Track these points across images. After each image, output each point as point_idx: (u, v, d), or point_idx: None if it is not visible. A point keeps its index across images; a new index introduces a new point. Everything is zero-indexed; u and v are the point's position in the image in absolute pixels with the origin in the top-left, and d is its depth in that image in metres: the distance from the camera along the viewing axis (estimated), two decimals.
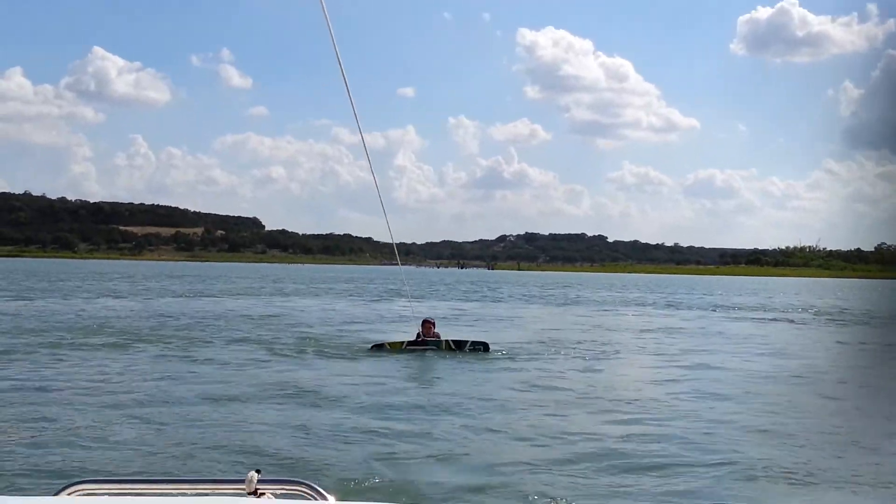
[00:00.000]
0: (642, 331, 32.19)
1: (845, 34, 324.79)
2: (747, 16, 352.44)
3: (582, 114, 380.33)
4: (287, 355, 21.20)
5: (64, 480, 3.36)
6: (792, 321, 39.87)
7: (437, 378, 17.83)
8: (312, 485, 3.00)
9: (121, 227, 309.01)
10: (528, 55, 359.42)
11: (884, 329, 37.01)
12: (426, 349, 22.34)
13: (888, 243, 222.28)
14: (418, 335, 23.05)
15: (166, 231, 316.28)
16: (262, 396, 14.21)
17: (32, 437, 10.75)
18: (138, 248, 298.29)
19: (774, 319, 40.83)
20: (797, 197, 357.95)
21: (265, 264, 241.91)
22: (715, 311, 47.50)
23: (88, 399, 13.48)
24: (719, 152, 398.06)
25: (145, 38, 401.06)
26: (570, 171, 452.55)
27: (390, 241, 21.11)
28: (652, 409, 14.11)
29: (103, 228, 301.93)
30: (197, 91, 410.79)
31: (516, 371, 19.06)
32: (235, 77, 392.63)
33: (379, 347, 22.93)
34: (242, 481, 2.96)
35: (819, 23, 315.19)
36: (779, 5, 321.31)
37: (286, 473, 6.77)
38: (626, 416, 13.19)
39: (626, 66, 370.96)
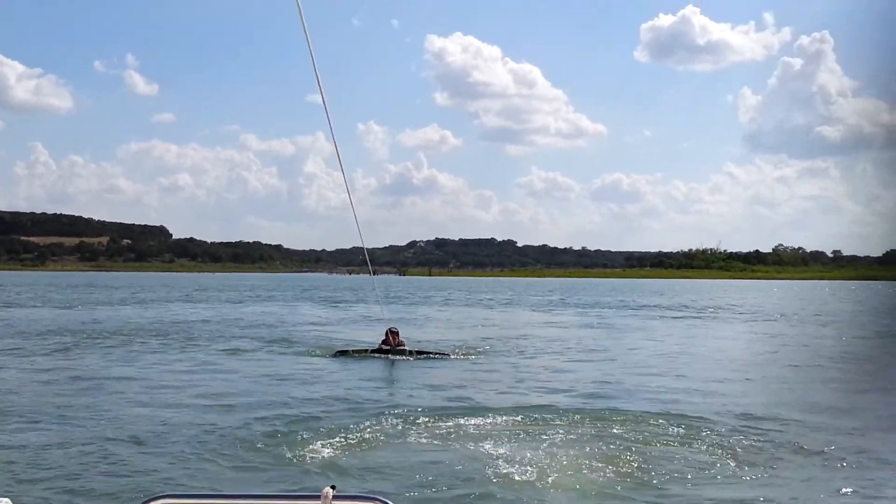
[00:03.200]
0: (567, 328, 34.59)
1: (744, 42, 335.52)
2: (650, 23, 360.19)
3: (491, 120, 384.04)
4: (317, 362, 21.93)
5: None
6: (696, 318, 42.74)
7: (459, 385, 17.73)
8: (387, 501, 3.08)
9: (22, 238, 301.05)
10: (437, 61, 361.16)
11: (775, 323, 39.86)
12: (395, 358, 22.50)
13: (784, 245, 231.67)
14: (384, 342, 23.41)
15: (70, 241, 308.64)
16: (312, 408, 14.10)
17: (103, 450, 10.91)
18: (41, 258, 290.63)
19: (679, 318, 43.58)
20: (700, 200, 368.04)
21: (174, 273, 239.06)
22: (636, 310, 50.24)
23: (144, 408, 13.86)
24: (626, 157, 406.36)
25: (46, 43, 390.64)
26: (479, 177, 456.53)
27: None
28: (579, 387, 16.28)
29: (3, 239, 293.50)
30: (100, 97, 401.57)
31: (490, 370, 20.68)
32: (140, 83, 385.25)
33: (343, 353, 23.29)
34: (318, 497, 3.05)
35: (719, 30, 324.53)
36: (680, 13, 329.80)
37: (358, 488, 7.44)
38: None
39: (534, 72, 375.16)
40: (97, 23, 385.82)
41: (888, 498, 8.96)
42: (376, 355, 22.88)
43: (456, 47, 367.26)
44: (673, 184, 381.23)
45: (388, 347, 23.18)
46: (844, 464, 10.34)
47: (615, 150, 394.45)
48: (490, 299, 67.94)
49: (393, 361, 22.00)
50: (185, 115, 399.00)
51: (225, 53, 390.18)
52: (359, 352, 23.50)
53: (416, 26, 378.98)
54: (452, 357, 23.05)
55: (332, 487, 3.06)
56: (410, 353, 23.12)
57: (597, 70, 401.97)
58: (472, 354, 23.67)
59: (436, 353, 23.54)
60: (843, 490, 9.09)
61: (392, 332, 23.91)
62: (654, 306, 55.53)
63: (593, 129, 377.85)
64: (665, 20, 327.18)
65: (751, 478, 9.73)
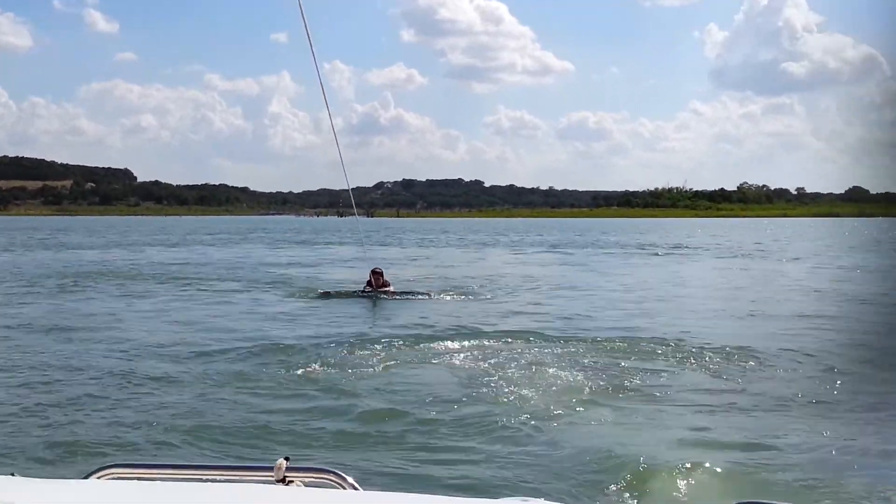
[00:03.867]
0: (544, 265, 35.37)
1: None
2: None
3: (457, 58, 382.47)
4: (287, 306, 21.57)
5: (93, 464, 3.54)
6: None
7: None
8: (341, 474, 3.01)
9: None
10: None
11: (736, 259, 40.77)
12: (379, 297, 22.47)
13: (750, 183, 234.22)
14: (368, 284, 23.30)
15: (32, 185, 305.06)
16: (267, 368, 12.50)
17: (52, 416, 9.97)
18: (2, 202, 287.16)
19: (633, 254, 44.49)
20: (666, 138, 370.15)
21: (140, 217, 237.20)
22: (607, 249, 51.07)
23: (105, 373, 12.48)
24: (593, 95, 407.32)
25: None
26: (446, 116, 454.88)
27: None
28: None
29: None
30: (60, 36, 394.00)
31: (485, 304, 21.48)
32: (101, 21, 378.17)
33: (327, 295, 23.18)
34: (271, 468, 2.99)
35: None
36: None
37: (314, 460, 7.05)
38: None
39: (500, 8, 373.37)
40: None
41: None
42: (360, 295, 22.81)
43: None
44: (639, 121, 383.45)
45: (371, 289, 23.06)
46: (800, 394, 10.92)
47: (582, 87, 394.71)
48: (461, 239, 68.56)
49: (376, 301, 22.07)
50: (147, 54, 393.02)
51: None
52: (343, 294, 23.40)
53: None
54: (435, 296, 23.13)
55: (286, 459, 2.99)
56: (394, 293, 23.14)
57: (564, 6, 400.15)
58: (454, 293, 23.86)
59: (421, 293, 23.60)
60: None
61: (375, 273, 23.67)
62: (624, 245, 56.40)
63: (560, 66, 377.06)
64: None
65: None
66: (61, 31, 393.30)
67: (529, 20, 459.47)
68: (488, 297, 23.52)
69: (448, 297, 23.04)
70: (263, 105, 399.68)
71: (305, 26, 14.70)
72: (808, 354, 13.32)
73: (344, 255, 43.88)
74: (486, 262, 39.69)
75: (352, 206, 24.80)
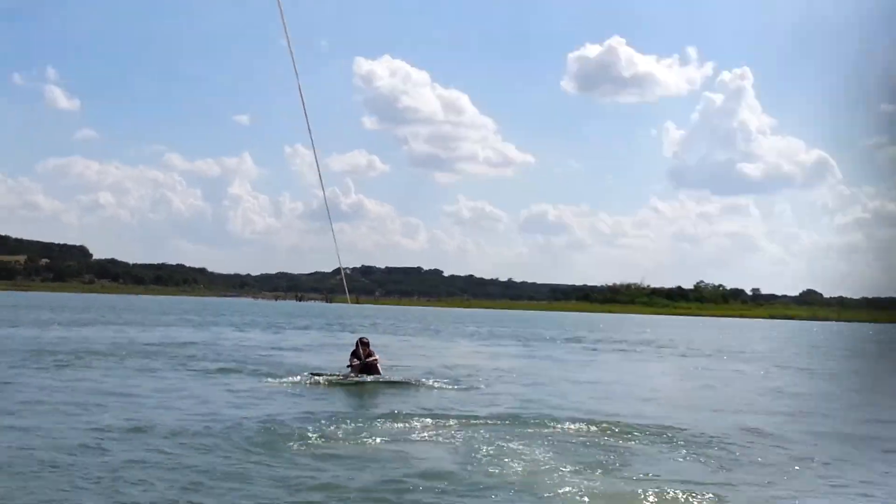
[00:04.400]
0: (515, 357, 36.12)
1: (668, 75, 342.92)
2: (576, 53, 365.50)
3: (420, 146, 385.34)
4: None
5: None
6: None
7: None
8: None
9: None
10: (366, 85, 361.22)
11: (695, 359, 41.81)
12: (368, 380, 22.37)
13: (706, 282, 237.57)
14: (353, 354, 23.40)
15: None
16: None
17: None
18: None
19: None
20: (625, 234, 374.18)
21: (97, 294, 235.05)
22: (575, 343, 52.07)
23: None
24: (553, 188, 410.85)
25: None
26: (407, 204, 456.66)
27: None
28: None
29: None
30: (20, 111, 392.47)
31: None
32: (62, 98, 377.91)
33: (317, 376, 23.00)
34: None
35: (645, 63, 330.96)
36: (607, 43, 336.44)
37: None
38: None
39: (462, 98, 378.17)
40: (16, 34, 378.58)
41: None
42: (351, 376, 22.69)
43: (384, 71, 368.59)
44: (599, 216, 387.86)
45: (359, 361, 23.09)
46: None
47: (543, 180, 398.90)
48: (427, 329, 69.17)
49: (364, 385, 21.99)
50: (107, 131, 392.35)
51: (150, 69, 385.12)
52: (332, 378, 22.97)
53: (345, 48, 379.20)
54: (416, 382, 23.10)
55: None
56: (379, 366, 23.40)
57: (525, 98, 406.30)
58: (435, 380, 23.94)
59: (404, 380, 23.31)
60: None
61: (363, 343, 23.74)
62: (585, 339, 57.40)
63: (521, 158, 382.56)
64: (591, 50, 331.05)
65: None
66: (21, 106, 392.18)
67: (490, 111, 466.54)
68: (467, 385, 23.87)
69: (431, 383, 23.21)
70: (224, 187, 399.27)
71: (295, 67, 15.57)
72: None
73: (317, 339, 44.59)
74: (457, 352, 40.38)
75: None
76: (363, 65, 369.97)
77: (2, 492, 9.77)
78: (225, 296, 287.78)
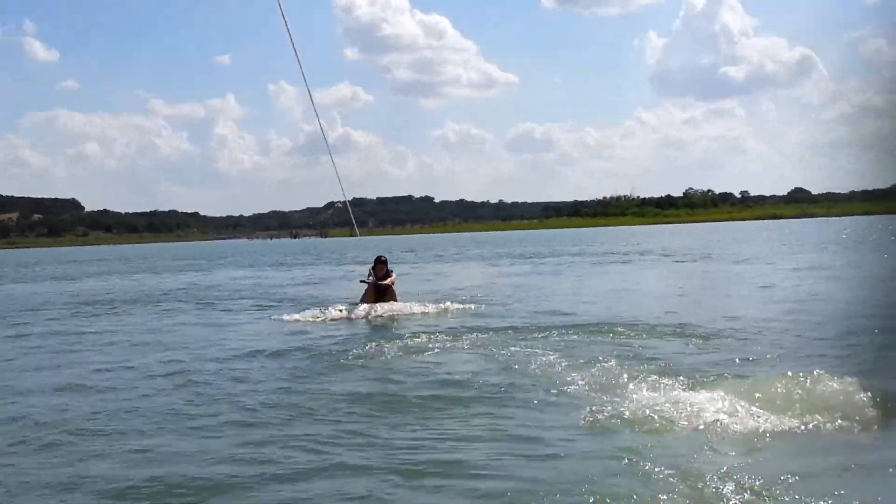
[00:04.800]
0: (524, 275, 37.80)
1: None
2: None
3: (403, 73, 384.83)
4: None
5: None
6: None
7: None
8: None
9: None
10: (346, 16, 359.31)
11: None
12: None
13: (695, 188, 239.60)
14: (370, 273, 22.31)
15: None
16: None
17: None
18: None
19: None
20: (612, 146, 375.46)
21: (92, 247, 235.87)
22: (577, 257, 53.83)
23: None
24: (538, 106, 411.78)
25: None
26: (394, 133, 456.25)
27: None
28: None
29: None
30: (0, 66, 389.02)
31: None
32: (41, 50, 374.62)
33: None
34: None
35: None
36: None
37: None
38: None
39: (443, 22, 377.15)
40: None
41: None
42: (362, 310, 21.22)
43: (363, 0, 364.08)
44: (585, 130, 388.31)
45: (373, 279, 22.14)
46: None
47: (527, 98, 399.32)
48: (430, 255, 70.77)
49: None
50: (89, 81, 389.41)
51: (128, 16, 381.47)
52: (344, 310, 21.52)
53: None
54: (434, 305, 22.31)
55: None
56: (395, 288, 22.53)
57: (505, 19, 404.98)
58: (455, 302, 23.45)
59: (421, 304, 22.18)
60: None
61: (380, 262, 22.52)
62: (585, 253, 59.04)
63: (504, 78, 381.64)
64: None
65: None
66: (1, 62, 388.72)
67: (472, 34, 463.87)
68: (490, 303, 24.01)
69: (452, 305, 22.70)
70: (209, 128, 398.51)
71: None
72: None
73: (328, 273, 46.39)
74: (467, 274, 42.09)
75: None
76: None
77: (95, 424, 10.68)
78: (219, 238, 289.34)
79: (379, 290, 22.24)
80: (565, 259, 51.90)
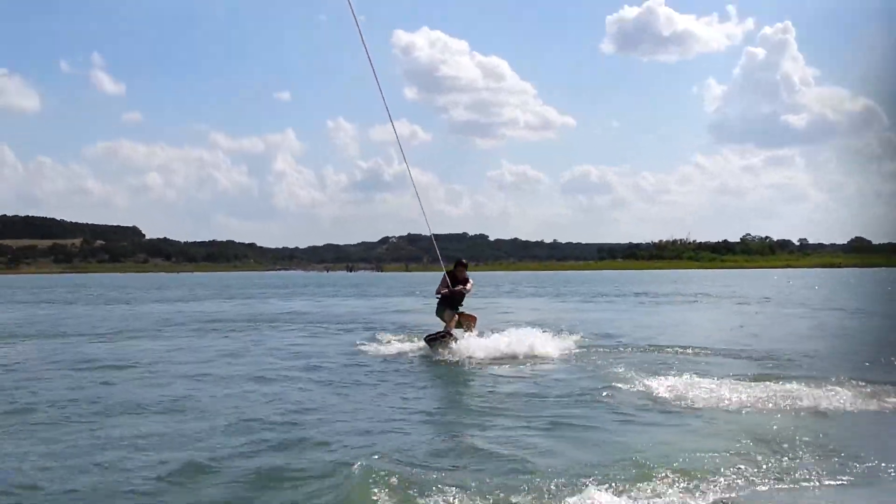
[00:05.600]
0: (598, 311, 39.20)
1: (708, 32, 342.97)
2: (615, 15, 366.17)
3: (460, 114, 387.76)
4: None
5: None
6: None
7: None
8: None
9: None
10: (405, 57, 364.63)
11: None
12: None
13: (752, 234, 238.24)
14: (450, 274, 21.39)
15: (42, 243, 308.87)
16: None
17: None
18: (14, 261, 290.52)
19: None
20: (668, 191, 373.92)
21: (155, 274, 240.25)
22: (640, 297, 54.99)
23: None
24: (594, 149, 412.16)
25: (10, 43, 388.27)
26: (450, 172, 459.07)
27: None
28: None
29: None
30: (67, 97, 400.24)
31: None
32: (107, 82, 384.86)
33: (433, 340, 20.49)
34: None
35: (684, 21, 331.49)
36: (645, 4, 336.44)
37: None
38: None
39: (501, 65, 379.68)
40: (62, 21, 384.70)
41: None
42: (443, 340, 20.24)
43: (423, 42, 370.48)
44: (641, 175, 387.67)
45: (448, 290, 21.15)
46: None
47: (583, 141, 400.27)
48: (497, 290, 72.16)
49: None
50: (152, 113, 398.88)
51: (192, 51, 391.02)
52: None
53: (383, 22, 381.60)
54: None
55: None
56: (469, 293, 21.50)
57: (564, 62, 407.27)
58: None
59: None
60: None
61: (461, 264, 21.84)
62: (649, 293, 60.09)
63: (562, 121, 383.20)
64: (630, 12, 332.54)
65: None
66: (68, 92, 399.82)
67: (530, 76, 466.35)
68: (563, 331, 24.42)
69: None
70: (268, 163, 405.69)
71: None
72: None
73: (403, 304, 48.30)
74: (542, 310, 43.47)
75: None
76: (402, 37, 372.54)
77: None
78: (274, 269, 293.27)
79: (454, 299, 21.32)
80: (633, 298, 53.08)
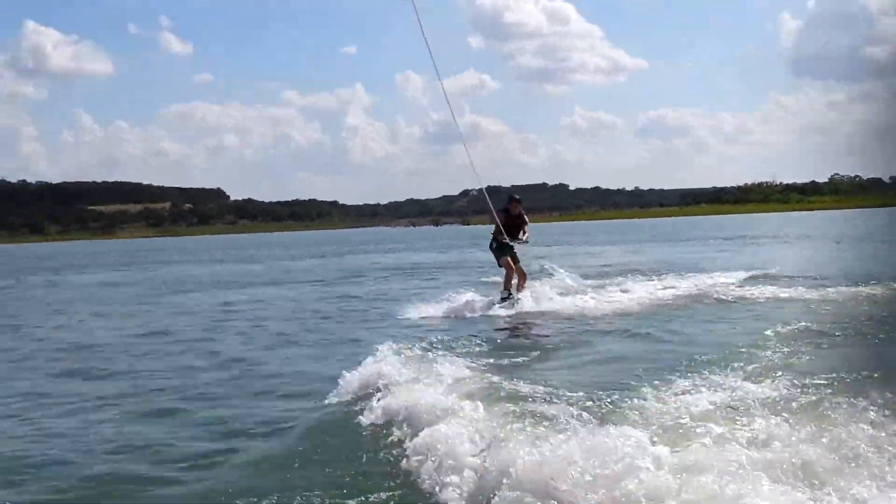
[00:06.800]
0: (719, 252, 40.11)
1: None
2: None
3: (528, 61, 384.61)
4: None
5: None
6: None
7: None
8: None
9: (89, 207, 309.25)
10: (468, 5, 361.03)
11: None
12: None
13: (841, 174, 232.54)
14: (503, 211, 20.07)
15: (134, 207, 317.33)
16: None
17: None
18: (109, 226, 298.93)
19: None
20: (749, 132, 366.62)
21: (242, 234, 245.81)
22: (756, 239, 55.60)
23: None
24: (669, 91, 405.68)
25: (79, 8, 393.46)
26: (522, 120, 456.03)
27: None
28: None
29: (72, 209, 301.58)
30: (138, 60, 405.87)
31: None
32: (175, 43, 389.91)
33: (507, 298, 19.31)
34: None
35: None
36: None
37: None
38: None
39: (567, 8, 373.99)
40: None
41: None
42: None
43: None
44: (720, 116, 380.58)
45: (504, 226, 19.66)
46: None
47: (657, 83, 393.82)
48: (620, 239, 72.77)
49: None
50: (222, 74, 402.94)
51: (256, 8, 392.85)
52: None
53: None
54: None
55: None
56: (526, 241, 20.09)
57: (631, 2, 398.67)
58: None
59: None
60: None
61: (515, 199, 20.42)
62: (748, 236, 60.24)
63: (633, 63, 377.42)
64: None
65: None
66: (139, 56, 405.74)
67: (596, 18, 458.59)
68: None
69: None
70: (340, 118, 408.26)
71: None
72: None
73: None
74: (660, 253, 44.35)
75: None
76: None
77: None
78: (359, 226, 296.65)
79: (509, 229, 19.88)
80: (743, 240, 53.61)
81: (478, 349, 13.32)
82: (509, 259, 19.74)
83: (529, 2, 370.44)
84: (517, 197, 20.60)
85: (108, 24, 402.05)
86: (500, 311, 18.76)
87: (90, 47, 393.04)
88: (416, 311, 19.38)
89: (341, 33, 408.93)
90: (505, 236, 19.64)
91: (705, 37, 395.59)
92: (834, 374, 9.39)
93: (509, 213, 20.00)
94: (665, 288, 22.03)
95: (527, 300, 19.22)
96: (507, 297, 19.31)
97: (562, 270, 25.14)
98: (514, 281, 19.70)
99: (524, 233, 19.98)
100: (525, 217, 20.23)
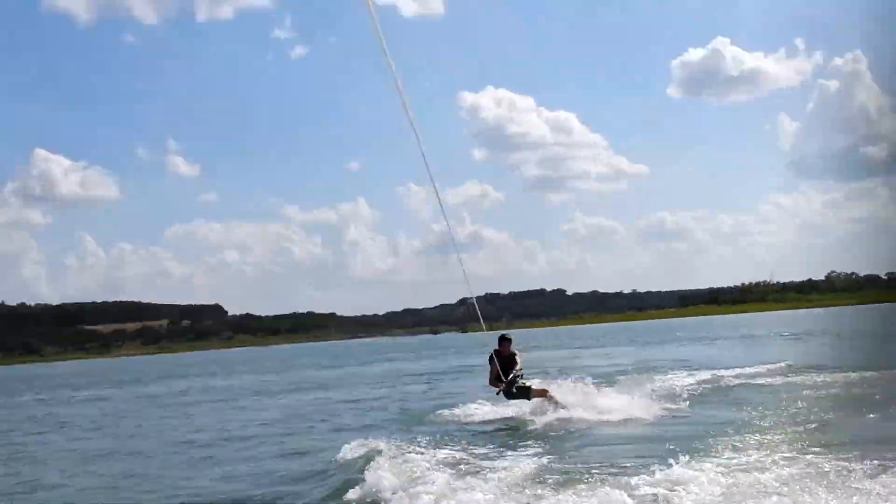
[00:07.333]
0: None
1: (777, 69, 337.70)
2: (680, 58, 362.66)
3: (531, 170, 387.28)
4: None
5: None
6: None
7: None
8: None
9: (86, 327, 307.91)
10: (472, 118, 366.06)
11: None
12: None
13: (837, 271, 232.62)
14: (496, 353, 21.20)
15: (132, 326, 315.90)
16: None
17: None
18: (105, 346, 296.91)
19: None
20: (747, 233, 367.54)
21: (239, 349, 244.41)
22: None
23: None
24: (668, 195, 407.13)
25: (89, 135, 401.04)
26: (524, 229, 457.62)
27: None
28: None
29: (69, 330, 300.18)
30: (145, 183, 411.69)
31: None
32: (182, 165, 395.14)
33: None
34: None
35: (752, 59, 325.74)
36: (710, 45, 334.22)
37: None
38: None
39: (570, 118, 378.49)
40: (137, 112, 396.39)
41: None
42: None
43: (489, 101, 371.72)
44: (719, 218, 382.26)
45: (501, 377, 20.88)
46: None
47: (657, 188, 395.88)
48: (593, 345, 72.66)
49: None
50: (226, 192, 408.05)
51: (260, 130, 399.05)
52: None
53: (447, 84, 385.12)
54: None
55: None
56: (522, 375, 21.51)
57: (632, 110, 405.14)
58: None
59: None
60: None
61: (505, 339, 21.72)
62: (753, 336, 60.10)
63: (633, 169, 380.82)
64: (695, 54, 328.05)
65: None
66: (146, 179, 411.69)
67: (599, 128, 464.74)
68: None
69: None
70: (342, 233, 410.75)
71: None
72: None
73: None
74: (658, 356, 43.99)
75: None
76: (467, 98, 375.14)
77: None
78: (356, 337, 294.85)
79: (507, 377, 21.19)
80: (734, 340, 53.39)
81: None
82: (531, 392, 21.20)
83: (532, 113, 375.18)
84: (509, 337, 21.96)
85: (117, 149, 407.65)
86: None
87: (98, 172, 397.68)
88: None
89: (345, 149, 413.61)
90: (503, 378, 20.79)
91: (703, 139, 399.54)
92: None
93: (500, 354, 21.18)
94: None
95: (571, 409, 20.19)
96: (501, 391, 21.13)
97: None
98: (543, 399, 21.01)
99: (518, 367, 21.28)
100: (517, 358, 21.39)
